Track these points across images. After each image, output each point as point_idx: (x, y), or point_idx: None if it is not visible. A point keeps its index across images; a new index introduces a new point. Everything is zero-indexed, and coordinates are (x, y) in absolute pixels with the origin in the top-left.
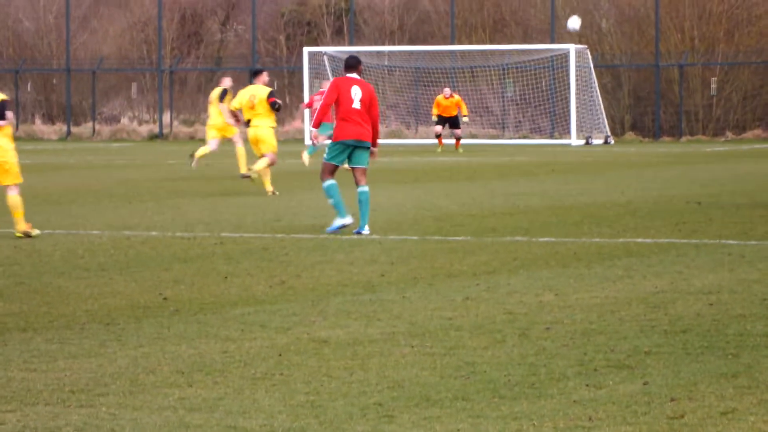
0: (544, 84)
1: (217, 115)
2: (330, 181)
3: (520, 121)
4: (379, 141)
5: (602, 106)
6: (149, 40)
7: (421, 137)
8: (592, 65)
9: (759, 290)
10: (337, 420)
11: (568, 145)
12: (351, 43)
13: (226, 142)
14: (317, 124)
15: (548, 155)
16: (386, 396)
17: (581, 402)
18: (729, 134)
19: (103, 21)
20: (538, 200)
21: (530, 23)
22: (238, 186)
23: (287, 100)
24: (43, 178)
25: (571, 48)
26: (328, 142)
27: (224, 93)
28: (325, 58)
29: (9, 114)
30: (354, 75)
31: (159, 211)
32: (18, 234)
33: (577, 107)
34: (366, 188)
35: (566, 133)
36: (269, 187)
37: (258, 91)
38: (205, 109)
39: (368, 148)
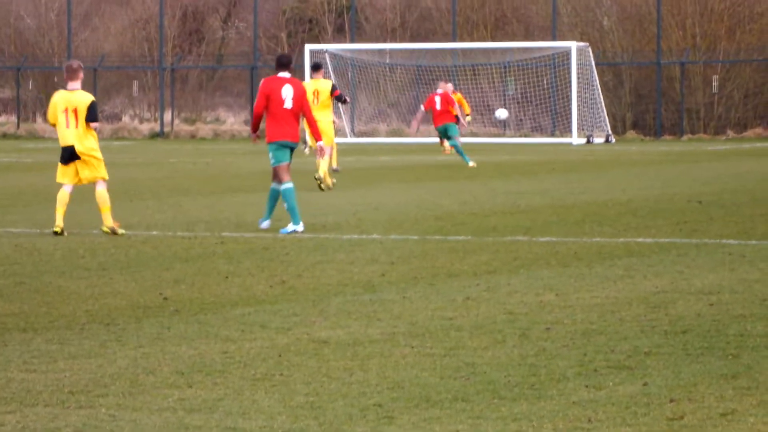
0: (545, 82)
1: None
2: (287, 185)
3: (521, 120)
4: (382, 140)
5: (603, 105)
6: (150, 38)
7: (422, 136)
8: (593, 63)
9: (760, 290)
10: (337, 421)
11: (570, 143)
12: (352, 41)
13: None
14: (254, 129)
15: (549, 154)
16: (386, 397)
17: (581, 403)
18: (730, 132)
19: (105, 18)
20: (539, 199)
21: (532, 20)
22: (238, 184)
23: None
24: (44, 177)
25: (573, 46)
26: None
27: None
28: (327, 55)
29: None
30: (285, 74)
31: (160, 209)
32: (105, 229)
33: (578, 105)
34: (290, 185)
35: (567, 131)
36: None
37: (320, 85)
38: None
39: (296, 146)
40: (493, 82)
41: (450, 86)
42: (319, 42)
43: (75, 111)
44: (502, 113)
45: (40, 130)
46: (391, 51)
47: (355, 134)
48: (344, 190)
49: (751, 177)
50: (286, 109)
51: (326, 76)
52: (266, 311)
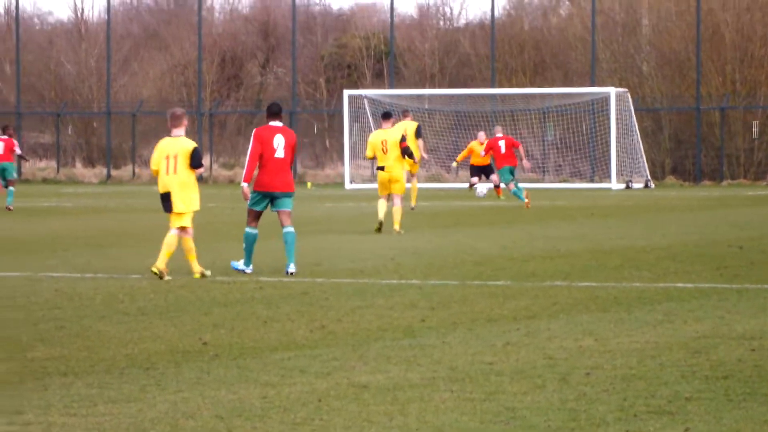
0: (584, 127)
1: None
2: (252, 230)
3: (560, 165)
4: (419, 185)
5: (642, 150)
6: (189, 83)
7: (462, 181)
8: (632, 108)
9: None
10: None
11: (609, 188)
12: (391, 86)
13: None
14: (248, 179)
15: (588, 199)
16: None
17: None
18: None
19: (144, 64)
20: (578, 244)
21: (570, 66)
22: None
23: (327, 143)
24: (84, 222)
25: (612, 91)
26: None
27: (420, 129)
28: (365, 101)
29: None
30: (277, 123)
31: (199, 255)
32: (196, 276)
33: (617, 151)
34: (291, 229)
35: (606, 176)
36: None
37: (389, 135)
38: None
39: (291, 194)
40: (532, 128)
41: (482, 134)
42: (357, 87)
43: (176, 157)
44: (483, 188)
45: (80, 175)
46: (430, 96)
47: None
48: (383, 234)
49: None
50: (277, 158)
51: (365, 121)
52: (306, 356)
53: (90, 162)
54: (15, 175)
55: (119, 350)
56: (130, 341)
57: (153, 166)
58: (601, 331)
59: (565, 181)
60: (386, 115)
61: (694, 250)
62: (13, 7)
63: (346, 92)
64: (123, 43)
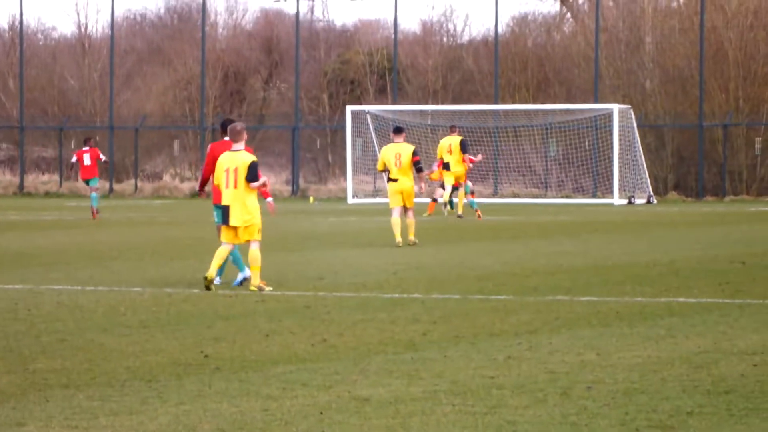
0: (587, 143)
1: (456, 163)
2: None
3: (562, 181)
4: (420, 201)
5: (645, 166)
6: (192, 98)
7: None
8: (635, 125)
9: None
10: None
11: (611, 204)
12: (394, 102)
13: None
14: (201, 188)
15: (591, 215)
16: None
17: None
18: None
19: (147, 79)
20: (580, 259)
21: (574, 83)
22: (279, 243)
23: (329, 158)
24: (86, 235)
25: (615, 108)
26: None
27: (464, 143)
28: (368, 116)
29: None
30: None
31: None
32: (252, 288)
33: (620, 167)
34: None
35: (609, 192)
36: (406, 238)
37: (402, 148)
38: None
39: None
40: (535, 144)
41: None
42: (360, 103)
43: (236, 171)
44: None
45: (83, 189)
46: (433, 112)
47: None
48: (385, 248)
49: None
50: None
51: (368, 136)
52: (307, 369)
53: None
54: (98, 184)
55: (121, 363)
56: (131, 354)
57: (215, 181)
58: (602, 345)
59: (567, 196)
60: (398, 130)
61: (696, 265)
62: (17, 22)
63: (349, 108)
64: (126, 58)
